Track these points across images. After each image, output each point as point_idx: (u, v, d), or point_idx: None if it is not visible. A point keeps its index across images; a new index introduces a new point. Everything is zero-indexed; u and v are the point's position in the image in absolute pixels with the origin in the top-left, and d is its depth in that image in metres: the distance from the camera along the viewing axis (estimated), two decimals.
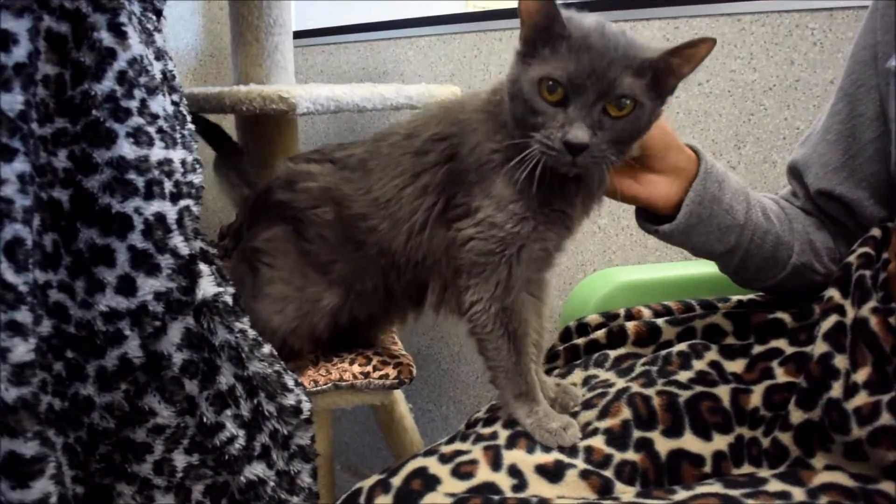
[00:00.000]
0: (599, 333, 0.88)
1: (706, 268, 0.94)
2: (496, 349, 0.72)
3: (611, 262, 1.39)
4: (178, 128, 0.67)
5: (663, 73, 0.66)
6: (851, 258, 0.69)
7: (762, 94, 1.21)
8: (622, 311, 0.91)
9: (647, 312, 0.90)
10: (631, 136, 0.67)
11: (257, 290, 0.85)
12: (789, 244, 0.79)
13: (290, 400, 0.72)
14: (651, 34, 1.32)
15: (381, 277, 0.81)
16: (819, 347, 0.66)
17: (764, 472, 0.63)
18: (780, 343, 0.75)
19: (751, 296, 0.89)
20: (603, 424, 0.69)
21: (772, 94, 1.20)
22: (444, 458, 0.65)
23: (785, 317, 0.77)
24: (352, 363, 0.90)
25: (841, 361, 0.64)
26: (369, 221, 0.78)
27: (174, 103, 0.68)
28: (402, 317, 0.88)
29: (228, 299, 0.69)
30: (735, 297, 0.89)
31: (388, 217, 0.76)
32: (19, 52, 0.54)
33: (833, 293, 0.68)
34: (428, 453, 0.68)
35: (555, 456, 0.66)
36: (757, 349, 0.75)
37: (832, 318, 0.67)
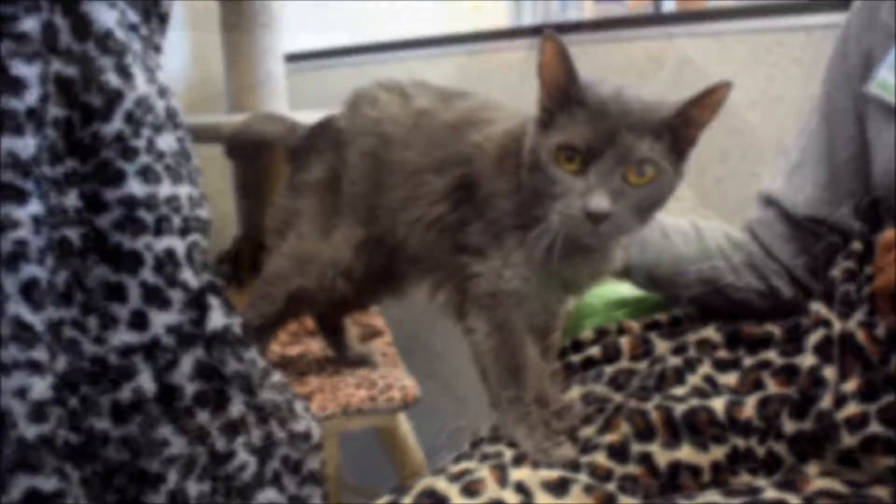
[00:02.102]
0: (594, 350, 0.91)
1: None
2: (496, 377, 0.74)
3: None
4: (183, 164, 0.69)
5: (683, 127, 0.66)
6: (835, 272, 0.72)
7: (745, 108, 1.25)
8: (613, 327, 0.94)
9: (636, 327, 0.93)
10: (653, 204, 0.66)
11: (293, 239, 0.88)
12: (691, 258, 0.85)
13: (300, 426, 0.74)
14: (635, 54, 1.35)
15: (386, 243, 0.83)
16: (808, 359, 0.69)
17: (760, 481, 0.66)
18: (770, 355, 0.78)
19: None
20: (603, 440, 0.72)
21: (756, 109, 1.24)
22: (453, 477, 0.68)
23: (775, 330, 0.81)
24: (357, 387, 0.93)
25: (829, 372, 0.67)
26: (394, 179, 0.80)
27: (178, 139, 0.70)
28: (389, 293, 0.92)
29: (237, 330, 0.71)
30: None
31: (407, 190, 0.78)
32: (30, 97, 0.56)
33: (819, 307, 0.72)
34: (436, 473, 0.70)
35: (559, 472, 0.68)
36: (748, 361, 0.79)
37: (820, 332, 0.70)
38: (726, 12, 1.28)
